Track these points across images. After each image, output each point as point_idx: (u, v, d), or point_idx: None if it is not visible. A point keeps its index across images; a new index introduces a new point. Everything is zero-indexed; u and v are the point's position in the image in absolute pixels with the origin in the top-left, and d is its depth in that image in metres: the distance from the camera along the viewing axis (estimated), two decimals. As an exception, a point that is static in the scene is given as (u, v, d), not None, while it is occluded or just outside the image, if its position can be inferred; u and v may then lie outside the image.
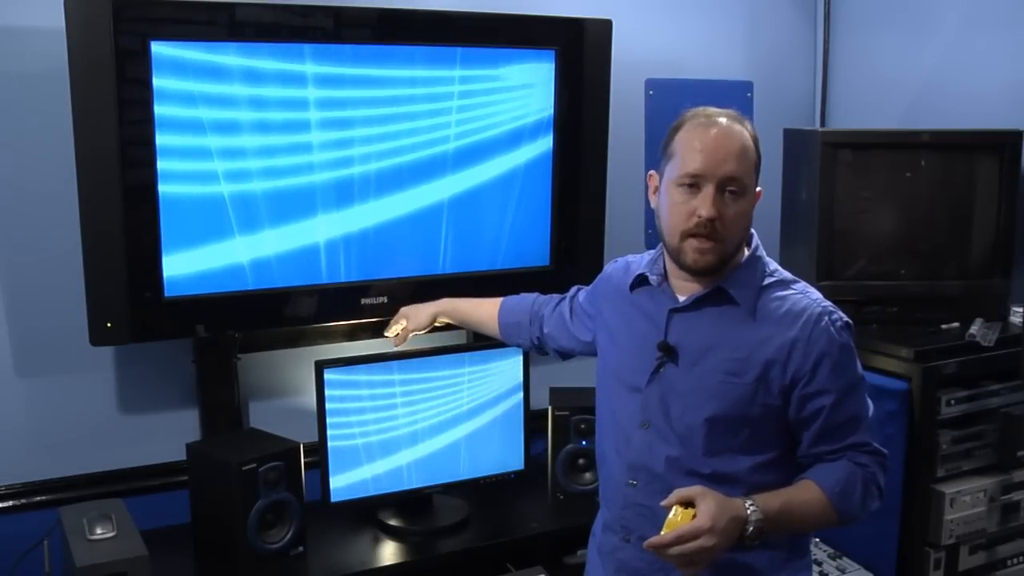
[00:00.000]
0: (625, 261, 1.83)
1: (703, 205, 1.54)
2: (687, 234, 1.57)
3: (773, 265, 1.67)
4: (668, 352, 1.62)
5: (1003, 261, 2.54)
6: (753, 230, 1.67)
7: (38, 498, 2.31)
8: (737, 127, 1.58)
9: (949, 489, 2.36)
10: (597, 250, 2.65)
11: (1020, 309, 2.52)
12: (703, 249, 1.56)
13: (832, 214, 2.52)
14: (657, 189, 1.64)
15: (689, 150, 1.56)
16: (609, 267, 1.87)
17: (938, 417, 2.35)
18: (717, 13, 3.02)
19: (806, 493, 1.57)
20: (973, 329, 2.42)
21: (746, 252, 1.64)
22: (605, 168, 2.62)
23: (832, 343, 1.56)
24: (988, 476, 2.42)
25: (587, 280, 2.61)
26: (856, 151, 2.53)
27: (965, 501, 2.37)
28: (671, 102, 2.94)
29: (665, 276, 1.68)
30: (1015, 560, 2.51)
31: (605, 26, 2.54)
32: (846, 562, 2.45)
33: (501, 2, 2.50)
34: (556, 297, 2.06)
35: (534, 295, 2.12)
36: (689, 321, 1.63)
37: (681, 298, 1.64)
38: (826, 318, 1.57)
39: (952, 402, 2.36)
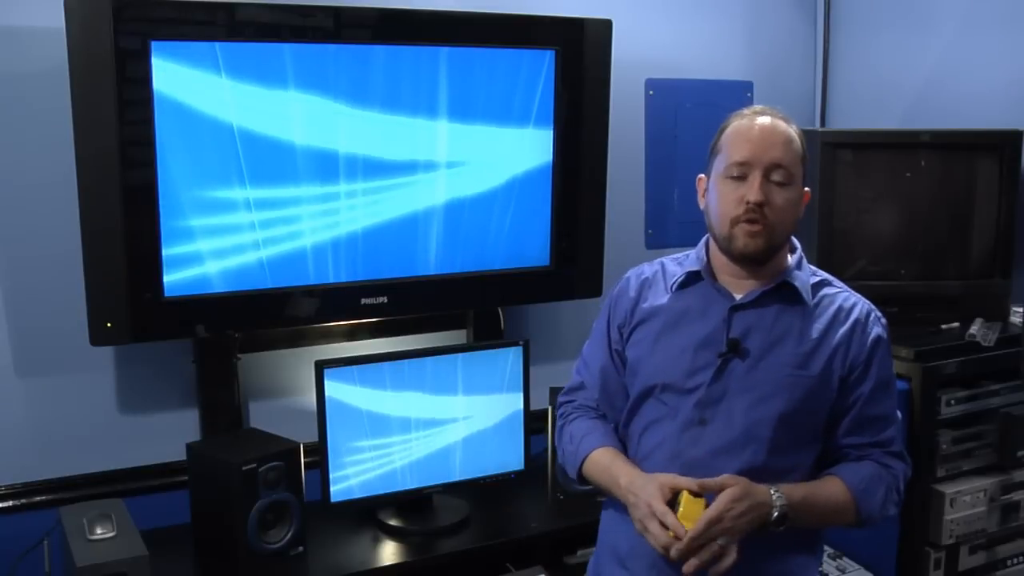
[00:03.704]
0: (645, 269, 1.78)
1: (751, 191, 1.58)
2: (736, 220, 1.60)
3: (811, 267, 1.73)
4: (735, 349, 1.63)
5: (1003, 261, 2.54)
6: (793, 237, 1.71)
7: (38, 498, 2.30)
8: (781, 122, 1.64)
9: (949, 489, 2.36)
10: (597, 250, 2.64)
11: (1020, 309, 2.52)
12: (753, 232, 1.59)
13: (832, 214, 2.52)
14: (706, 191, 1.68)
15: (735, 142, 1.62)
16: (623, 284, 1.79)
17: (938, 417, 2.35)
18: (717, 13, 3.02)
19: (830, 487, 1.61)
20: (973, 329, 2.42)
21: (792, 256, 1.70)
22: (605, 168, 2.62)
23: (882, 335, 1.66)
24: (988, 476, 2.42)
25: (587, 279, 2.64)
26: (856, 151, 2.53)
27: (965, 501, 2.37)
28: (671, 102, 2.95)
29: (713, 275, 1.69)
30: (1015, 560, 2.51)
31: (605, 26, 2.54)
32: (846, 562, 2.45)
33: (501, 2, 2.50)
34: (581, 393, 1.85)
35: (590, 421, 1.81)
36: (752, 317, 1.65)
37: (737, 296, 1.66)
38: (873, 313, 1.67)
39: (952, 402, 2.37)
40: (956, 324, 2.51)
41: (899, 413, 1.70)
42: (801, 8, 3.18)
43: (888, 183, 2.54)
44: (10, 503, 2.29)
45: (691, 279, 1.71)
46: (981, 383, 2.43)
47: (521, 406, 2.52)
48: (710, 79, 2.94)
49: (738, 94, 2.99)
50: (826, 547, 2.49)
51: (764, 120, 1.63)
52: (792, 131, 1.63)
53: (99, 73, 2.01)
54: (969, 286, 2.55)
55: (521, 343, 2.49)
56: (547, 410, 2.49)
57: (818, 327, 1.63)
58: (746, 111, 1.66)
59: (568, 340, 2.72)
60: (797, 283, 1.65)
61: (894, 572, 2.39)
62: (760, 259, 1.63)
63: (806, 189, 1.67)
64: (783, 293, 1.65)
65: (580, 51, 2.51)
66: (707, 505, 1.50)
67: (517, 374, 2.50)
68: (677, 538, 1.49)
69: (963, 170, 2.54)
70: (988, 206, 2.52)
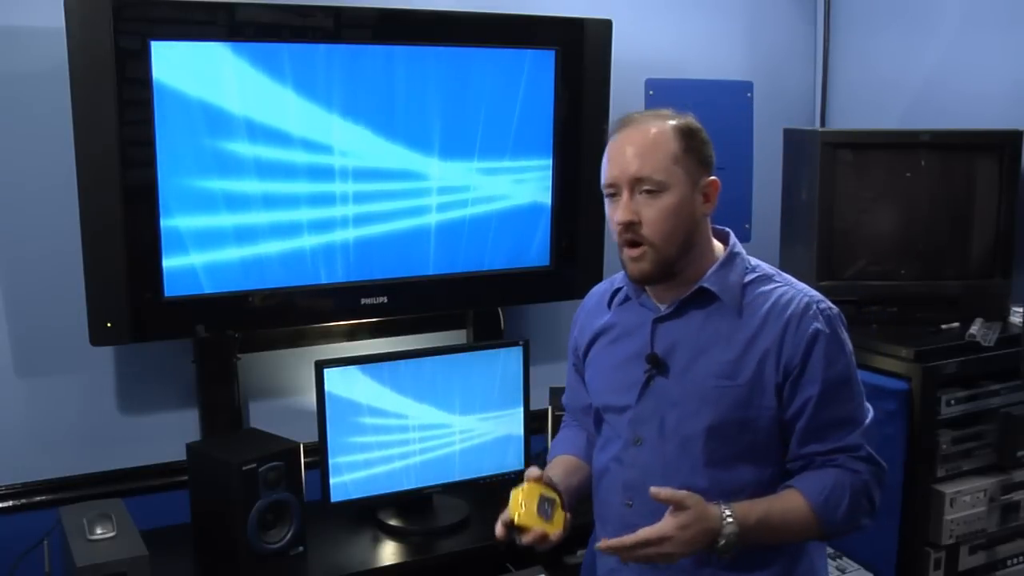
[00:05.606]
0: (603, 283, 1.77)
1: (617, 212, 1.51)
2: (620, 245, 1.54)
3: (754, 261, 1.61)
4: (656, 364, 1.56)
5: (1003, 261, 2.54)
6: (729, 229, 1.63)
7: (38, 498, 2.31)
8: (648, 125, 1.52)
9: (949, 489, 2.36)
10: (597, 250, 2.64)
11: (1020, 309, 2.52)
12: (634, 256, 1.52)
13: (832, 214, 2.52)
14: None
15: (605, 162, 1.55)
16: (583, 302, 1.80)
17: (938, 417, 2.35)
18: (717, 13, 3.02)
19: (789, 502, 1.51)
20: (973, 329, 2.42)
21: (723, 251, 1.59)
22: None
23: (821, 330, 1.51)
24: (988, 476, 2.42)
25: (587, 279, 2.62)
26: (856, 151, 2.53)
27: (965, 501, 2.37)
28: (671, 102, 2.92)
29: (643, 288, 1.62)
30: (1015, 560, 2.51)
31: (605, 26, 2.54)
32: (846, 562, 2.45)
33: (501, 2, 2.50)
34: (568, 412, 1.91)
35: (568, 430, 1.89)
36: (675, 328, 1.57)
37: (663, 307, 1.59)
38: (814, 306, 1.53)
39: (952, 402, 2.36)
40: (956, 324, 2.51)
41: (871, 412, 1.57)
42: (801, 8, 3.18)
43: (888, 183, 2.54)
44: (10, 503, 2.29)
45: (627, 295, 1.65)
46: (981, 383, 2.43)
47: (521, 406, 2.52)
48: (710, 79, 2.93)
49: (738, 94, 2.99)
50: (826, 547, 2.49)
51: (625, 130, 1.53)
52: (657, 131, 1.50)
53: (99, 73, 2.01)
54: (969, 286, 2.55)
55: (521, 343, 2.49)
56: (547, 410, 2.49)
57: (746, 330, 1.52)
58: (620, 118, 1.57)
59: (568, 340, 2.72)
60: (715, 288, 1.54)
61: (894, 572, 2.39)
62: (657, 281, 1.55)
63: (711, 178, 1.54)
64: (705, 299, 1.55)
65: (580, 51, 2.51)
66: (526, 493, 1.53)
67: (517, 374, 2.50)
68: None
69: (963, 170, 2.53)
70: (988, 206, 2.52)
